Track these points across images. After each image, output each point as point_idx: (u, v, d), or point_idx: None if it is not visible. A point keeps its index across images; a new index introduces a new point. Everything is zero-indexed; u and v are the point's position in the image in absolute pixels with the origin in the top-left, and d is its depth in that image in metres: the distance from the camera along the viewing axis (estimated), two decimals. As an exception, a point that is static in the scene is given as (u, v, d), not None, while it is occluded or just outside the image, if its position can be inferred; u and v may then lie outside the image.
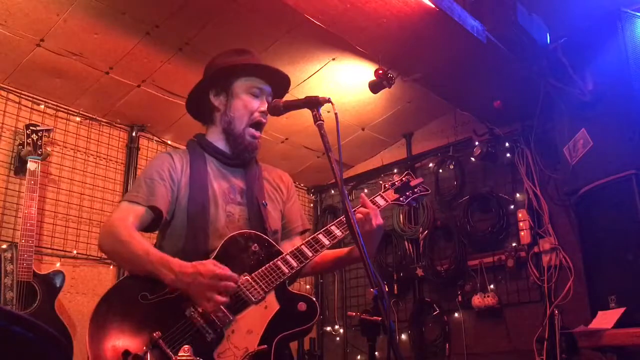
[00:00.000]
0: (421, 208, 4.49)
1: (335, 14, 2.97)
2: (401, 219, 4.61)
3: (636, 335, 2.60)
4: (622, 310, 2.73)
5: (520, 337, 3.78)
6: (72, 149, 3.93)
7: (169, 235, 1.96)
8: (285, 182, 2.28)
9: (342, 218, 2.03)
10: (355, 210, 1.99)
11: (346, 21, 3.04)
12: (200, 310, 1.72)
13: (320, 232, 1.99)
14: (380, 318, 1.53)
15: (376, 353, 2.42)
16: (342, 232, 2.00)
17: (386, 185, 2.27)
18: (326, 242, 1.96)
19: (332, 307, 5.07)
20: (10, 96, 3.69)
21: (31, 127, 3.49)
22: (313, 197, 5.54)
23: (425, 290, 4.45)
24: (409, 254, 4.53)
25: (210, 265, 1.74)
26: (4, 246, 3.28)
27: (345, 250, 2.14)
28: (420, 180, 2.34)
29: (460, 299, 4.13)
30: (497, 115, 3.98)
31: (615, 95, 3.02)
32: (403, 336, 4.39)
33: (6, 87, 3.66)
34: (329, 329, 5.01)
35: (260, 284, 1.82)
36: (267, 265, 1.87)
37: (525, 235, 3.88)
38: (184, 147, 2.15)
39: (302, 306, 1.82)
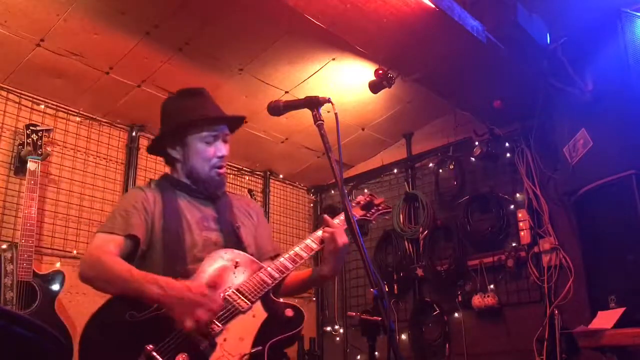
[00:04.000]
0: (421, 208, 4.50)
1: (335, 14, 2.97)
2: (401, 219, 4.61)
3: (636, 335, 2.60)
4: (622, 310, 2.73)
5: (520, 337, 3.78)
6: (72, 149, 3.93)
7: (146, 266, 1.94)
8: (254, 208, 2.33)
9: (317, 232, 2.12)
10: (323, 229, 2.09)
11: (346, 21, 3.04)
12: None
13: (298, 246, 2.05)
14: (380, 318, 1.53)
15: (376, 353, 2.42)
16: (318, 245, 2.07)
17: (353, 204, 2.33)
18: (304, 254, 2.04)
19: (332, 307, 5.07)
20: (10, 96, 3.69)
21: (31, 127, 3.50)
22: (313, 197, 5.54)
23: (425, 290, 4.45)
24: (409, 254, 4.53)
25: (200, 286, 1.77)
26: (4, 246, 3.28)
27: (309, 270, 2.21)
28: (382, 199, 2.44)
29: (460, 299, 4.13)
30: (497, 115, 3.98)
31: (615, 95, 3.02)
32: (403, 336, 4.39)
33: (6, 87, 3.66)
34: (329, 329, 5.01)
35: (246, 294, 1.87)
36: (250, 278, 1.92)
37: (525, 235, 3.88)
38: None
39: (289, 312, 1.88)
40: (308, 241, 2.08)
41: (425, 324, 4.34)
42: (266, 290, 1.90)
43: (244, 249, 2.04)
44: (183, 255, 1.95)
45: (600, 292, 2.98)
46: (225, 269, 1.92)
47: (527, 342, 3.68)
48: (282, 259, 2.00)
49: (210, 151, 2.08)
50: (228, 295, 1.85)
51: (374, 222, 2.41)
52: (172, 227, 1.98)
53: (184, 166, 2.11)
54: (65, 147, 3.90)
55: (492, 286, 3.99)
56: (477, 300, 3.97)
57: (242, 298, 1.85)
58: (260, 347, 1.76)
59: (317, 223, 5.39)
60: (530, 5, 3.25)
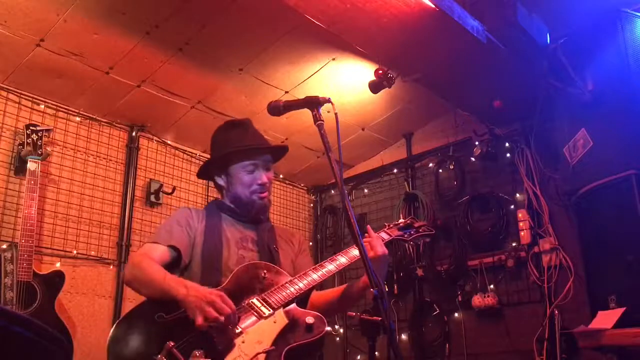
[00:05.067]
0: (421, 208, 4.50)
1: (335, 14, 2.97)
2: (401, 219, 4.60)
3: (636, 335, 2.60)
4: (622, 310, 2.73)
5: (520, 337, 3.78)
6: (72, 149, 3.93)
7: (187, 276, 2.07)
8: (297, 238, 2.45)
9: (349, 248, 2.18)
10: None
11: (346, 21, 3.04)
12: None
13: (327, 260, 2.13)
14: (380, 318, 1.53)
15: (376, 353, 2.43)
16: (348, 260, 2.13)
17: (390, 225, 2.41)
18: (332, 267, 2.10)
19: (332, 307, 5.06)
20: (10, 96, 3.69)
21: (31, 127, 3.49)
22: (313, 197, 5.54)
23: (425, 290, 4.45)
24: (409, 254, 4.53)
25: (217, 292, 1.85)
26: (4, 246, 3.28)
27: (344, 286, 2.24)
28: (424, 223, 2.52)
29: (460, 299, 4.13)
30: (497, 115, 3.98)
31: (615, 95, 3.02)
32: (403, 336, 4.39)
33: (6, 87, 3.66)
34: (329, 329, 5.00)
35: (269, 302, 1.93)
36: (275, 287, 1.99)
37: (525, 235, 3.88)
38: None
39: (309, 319, 1.90)
40: (338, 255, 2.15)
41: (425, 324, 4.34)
42: (290, 299, 1.95)
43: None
44: (219, 267, 2.07)
45: (600, 292, 2.98)
46: (253, 278, 2.01)
47: (527, 342, 3.68)
48: (309, 271, 2.07)
49: (250, 179, 2.22)
50: (252, 301, 1.92)
51: (411, 242, 2.50)
52: (212, 243, 2.13)
53: (228, 193, 2.27)
54: (65, 147, 3.90)
55: (492, 286, 3.99)
56: (477, 300, 3.97)
57: (265, 305, 1.91)
58: (273, 347, 1.80)
59: (317, 223, 5.40)
60: (530, 5, 3.25)
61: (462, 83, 3.72)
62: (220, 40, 3.51)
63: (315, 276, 2.04)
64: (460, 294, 4.14)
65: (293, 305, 1.96)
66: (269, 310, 1.90)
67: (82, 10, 3.17)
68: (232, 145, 2.23)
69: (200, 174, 2.43)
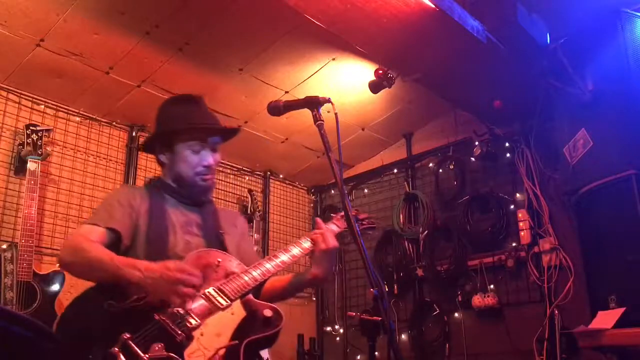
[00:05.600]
0: (421, 208, 4.50)
1: (335, 14, 2.97)
2: (401, 219, 4.61)
3: (636, 335, 2.60)
4: (622, 310, 2.73)
5: (520, 337, 3.78)
6: (72, 149, 3.93)
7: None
8: (240, 221, 2.36)
9: (301, 239, 2.15)
10: (311, 233, 2.13)
11: (346, 21, 3.04)
12: (169, 313, 1.73)
13: (280, 250, 2.08)
14: (380, 318, 1.53)
15: (376, 353, 2.42)
16: (300, 251, 2.11)
17: (337, 217, 2.35)
18: (286, 259, 2.06)
19: (332, 307, 5.07)
20: (10, 96, 3.69)
21: (31, 127, 3.49)
22: (313, 197, 5.54)
23: (425, 290, 4.45)
24: (409, 254, 4.53)
25: (178, 263, 1.80)
26: (4, 246, 3.28)
27: (290, 275, 2.22)
28: (367, 215, 2.51)
29: (460, 299, 4.13)
30: (497, 115, 3.98)
31: (615, 95, 3.02)
32: (403, 336, 4.39)
33: (6, 87, 3.66)
34: (329, 329, 5.01)
35: (226, 292, 1.87)
36: (231, 277, 1.93)
37: (525, 235, 3.88)
38: None
39: (267, 312, 1.88)
40: (290, 246, 2.11)
41: (425, 324, 4.34)
42: (247, 290, 1.91)
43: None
44: (165, 253, 1.95)
45: (600, 292, 2.98)
46: (206, 266, 1.92)
47: (527, 342, 3.68)
48: (263, 261, 2.02)
49: (195, 159, 2.09)
50: (208, 292, 1.85)
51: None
52: (157, 227, 2.01)
53: (171, 171, 2.14)
54: (65, 147, 3.90)
55: (492, 286, 3.99)
56: (477, 300, 3.96)
57: (222, 296, 1.86)
58: (237, 341, 1.76)
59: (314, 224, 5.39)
60: (530, 5, 3.25)
61: (462, 83, 3.72)
62: (220, 40, 3.51)
63: (270, 266, 2.00)
64: (460, 294, 4.14)
65: (249, 296, 1.92)
66: (226, 302, 1.84)
67: (82, 10, 3.17)
68: (181, 122, 2.10)
69: (144, 148, 2.30)
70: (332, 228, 2.23)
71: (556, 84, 3.37)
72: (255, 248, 2.35)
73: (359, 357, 4.64)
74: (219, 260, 1.97)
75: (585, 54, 3.25)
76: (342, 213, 2.35)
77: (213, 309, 1.82)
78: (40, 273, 3.32)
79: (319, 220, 2.19)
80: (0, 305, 3.01)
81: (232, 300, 1.85)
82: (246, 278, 1.93)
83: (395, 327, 4.41)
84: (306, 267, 2.08)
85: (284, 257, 2.06)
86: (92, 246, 1.85)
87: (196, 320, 1.76)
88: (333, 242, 2.08)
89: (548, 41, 3.39)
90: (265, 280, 2.00)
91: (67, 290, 3.59)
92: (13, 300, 3.11)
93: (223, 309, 1.83)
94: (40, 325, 1.02)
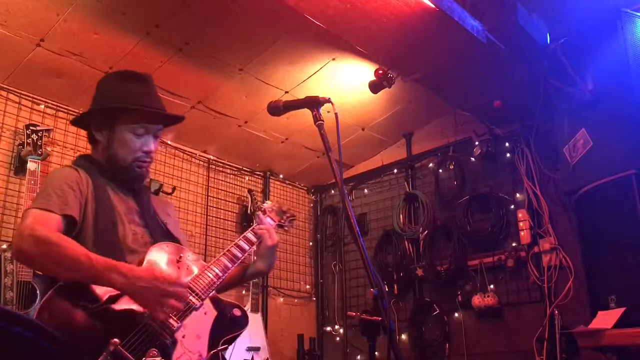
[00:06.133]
0: (421, 208, 4.50)
1: (335, 14, 2.97)
2: (401, 219, 4.61)
3: (636, 335, 2.60)
4: (622, 310, 2.73)
5: (520, 337, 3.78)
6: (72, 149, 3.93)
7: None
8: (170, 206, 2.31)
9: (247, 233, 2.15)
10: (256, 227, 2.18)
11: (346, 21, 3.04)
12: (150, 316, 1.69)
13: (232, 247, 2.07)
14: (380, 318, 1.53)
15: (376, 353, 2.43)
16: (249, 246, 2.11)
17: (267, 210, 2.37)
18: (239, 254, 2.06)
19: (332, 307, 5.07)
20: (10, 96, 3.69)
21: (31, 127, 3.49)
22: (313, 197, 5.54)
23: (425, 290, 4.45)
24: (409, 254, 4.53)
25: (165, 271, 1.77)
26: (4, 246, 3.28)
27: (238, 269, 2.22)
28: (288, 207, 2.53)
29: (460, 299, 4.13)
30: (497, 115, 3.98)
31: (615, 95, 3.02)
32: (403, 336, 4.39)
33: (6, 87, 3.66)
34: (329, 329, 5.01)
35: (197, 291, 1.85)
36: (198, 275, 1.91)
37: (525, 235, 3.88)
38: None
39: (236, 312, 1.93)
40: (240, 242, 2.11)
41: (425, 324, 4.34)
42: (214, 288, 1.92)
43: (178, 244, 2.01)
44: (118, 245, 1.83)
45: (600, 292, 2.98)
46: (169, 263, 1.87)
47: (527, 342, 3.68)
48: (222, 259, 2.01)
49: (137, 143, 1.95)
50: None
51: (286, 227, 2.46)
52: (106, 215, 1.86)
53: (106, 151, 1.97)
54: (65, 147, 3.90)
55: (492, 286, 3.99)
56: (477, 300, 3.96)
57: (193, 295, 1.83)
58: (222, 347, 1.82)
59: (317, 223, 5.39)
60: (530, 5, 3.25)
61: (462, 83, 3.72)
62: (220, 40, 3.51)
63: (227, 263, 2.00)
64: (460, 294, 4.14)
65: (214, 293, 1.93)
66: (199, 301, 1.83)
67: (82, 10, 3.17)
68: (127, 101, 1.92)
69: (78, 120, 2.11)
70: (270, 222, 2.28)
71: (556, 84, 3.37)
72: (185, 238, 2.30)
73: (359, 357, 4.64)
74: (181, 255, 1.92)
75: (585, 54, 3.25)
76: (271, 205, 2.41)
77: (189, 308, 1.80)
78: (40, 273, 3.31)
79: (261, 215, 2.25)
80: (0, 305, 3.01)
81: (202, 299, 1.85)
82: (211, 275, 1.92)
83: (395, 327, 4.41)
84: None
85: (237, 253, 2.06)
86: (63, 241, 1.67)
87: (177, 322, 1.74)
88: (276, 238, 2.16)
89: (548, 41, 3.39)
90: (225, 276, 2.00)
91: (67, 290, 3.59)
92: (13, 300, 3.11)
93: (197, 309, 1.83)
94: (41, 326, 1.02)
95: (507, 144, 4.14)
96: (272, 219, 2.32)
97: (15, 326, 0.97)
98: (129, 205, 1.99)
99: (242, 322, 1.93)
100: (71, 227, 1.79)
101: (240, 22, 3.36)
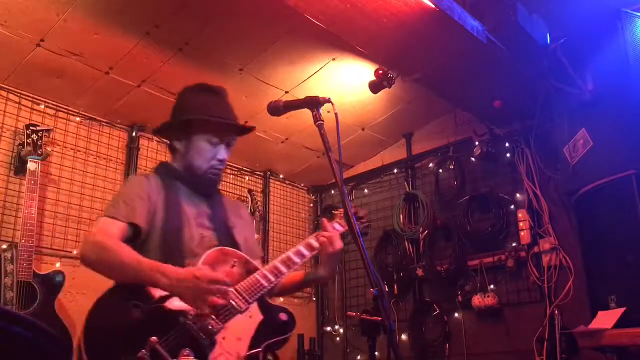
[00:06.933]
0: (421, 208, 4.50)
1: (335, 14, 2.97)
2: (401, 219, 4.61)
3: (636, 335, 2.60)
4: (622, 310, 2.73)
5: (520, 337, 3.78)
6: (72, 149, 3.93)
7: (143, 253, 1.93)
8: (243, 209, 2.41)
9: (309, 239, 2.16)
10: (318, 234, 2.16)
11: (346, 21, 3.04)
12: (193, 316, 1.76)
13: (291, 252, 2.09)
14: (380, 318, 1.53)
15: (376, 353, 2.43)
16: (310, 252, 2.12)
17: (338, 213, 2.37)
18: (297, 260, 2.07)
19: (332, 307, 5.07)
20: (10, 96, 3.69)
21: (31, 127, 3.49)
22: (313, 197, 5.54)
23: (425, 290, 4.45)
24: (409, 254, 4.53)
25: (205, 270, 1.80)
26: (4, 246, 3.28)
27: (302, 273, 2.26)
28: (366, 211, 2.56)
29: (460, 299, 4.13)
30: (497, 115, 3.98)
31: (615, 95, 3.02)
32: (403, 336, 4.39)
33: (6, 87, 3.66)
34: (329, 329, 5.01)
35: (244, 295, 1.90)
36: (247, 279, 1.95)
37: (525, 235, 3.88)
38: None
39: (283, 316, 1.94)
40: (301, 248, 2.12)
41: (425, 324, 4.34)
42: (263, 292, 1.93)
43: (237, 249, 2.07)
44: (181, 248, 1.96)
45: (600, 292, 2.98)
46: (221, 267, 1.94)
47: (527, 342, 3.68)
48: (277, 263, 2.03)
49: (211, 152, 2.10)
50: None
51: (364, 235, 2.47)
52: (173, 220, 2.00)
53: (184, 159, 2.13)
54: (65, 147, 3.90)
55: (492, 286, 3.99)
56: (477, 300, 3.96)
57: (240, 298, 1.88)
58: (260, 349, 1.82)
59: (317, 223, 5.39)
60: (530, 5, 3.25)
61: (462, 83, 3.72)
62: (220, 40, 3.51)
63: (283, 268, 2.02)
64: (460, 294, 4.14)
65: (264, 298, 1.96)
66: (245, 304, 1.87)
67: (82, 10, 3.17)
68: (204, 113, 2.09)
69: (159, 131, 2.24)
70: (337, 228, 2.26)
71: (556, 84, 3.37)
72: (255, 236, 2.35)
73: (359, 357, 4.64)
74: (235, 260, 1.99)
75: (585, 54, 3.25)
76: (342, 211, 2.37)
77: (233, 311, 1.85)
78: (40, 273, 3.32)
79: (325, 220, 2.23)
80: (0, 306, 3.01)
81: (249, 303, 1.89)
82: (262, 280, 1.95)
83: (395, 327, 4.41)
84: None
85: (295, 259, 2.07)
86: (117, 247, 1.83)
87: (218, 324, 1.79)
88: (340, 244, 2.12)
89: (548, 41, 3.39)
90: (277, 282, 2.03)
91: (67, 290, 3.60)
92: (13, 300, 3.11)
93: (242, 312, 1.86)
94: (41, 326, 1.02)
95: (507, 144, 4.14)
96: (340, 224, 2.31)
97: (15, 326, 0.97)
98: (200, 210, 2.11)
99: (287, 327, 1.94)
100: (136, 232, 1.94)
101: (240, 22, 3.36)
